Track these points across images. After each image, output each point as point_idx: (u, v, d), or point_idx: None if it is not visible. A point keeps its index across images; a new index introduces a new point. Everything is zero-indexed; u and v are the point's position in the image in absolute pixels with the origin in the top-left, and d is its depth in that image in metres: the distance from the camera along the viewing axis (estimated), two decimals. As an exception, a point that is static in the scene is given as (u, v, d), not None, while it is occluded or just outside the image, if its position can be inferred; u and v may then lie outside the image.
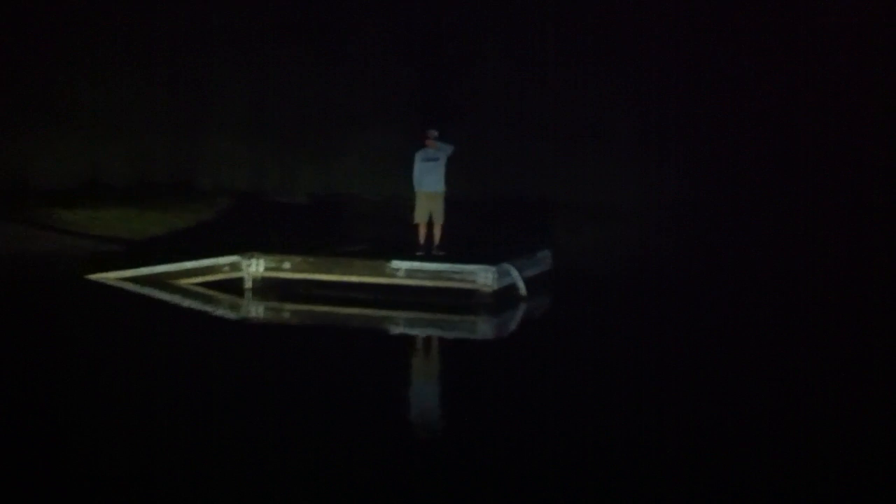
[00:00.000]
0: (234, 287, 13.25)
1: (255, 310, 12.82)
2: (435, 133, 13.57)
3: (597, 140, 25.05)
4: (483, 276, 12.53)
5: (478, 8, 25.19)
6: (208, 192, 22.99)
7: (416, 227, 13.62)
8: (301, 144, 24.41)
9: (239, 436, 6.82)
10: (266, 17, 24.34)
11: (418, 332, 12.01)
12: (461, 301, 12.57)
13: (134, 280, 13.67)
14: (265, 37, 24.14)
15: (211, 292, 13.19)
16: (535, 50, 25.18)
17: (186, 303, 12.73)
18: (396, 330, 12.14)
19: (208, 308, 12.70)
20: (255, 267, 13.21)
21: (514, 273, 13.01)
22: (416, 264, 12.87)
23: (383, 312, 12.78)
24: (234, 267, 13.33)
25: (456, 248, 13.78)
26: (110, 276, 13.82)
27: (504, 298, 12.75)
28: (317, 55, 24.50)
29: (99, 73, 23.35)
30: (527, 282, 13.19)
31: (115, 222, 20.08)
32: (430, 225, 13.57)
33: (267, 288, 13.28)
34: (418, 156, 13.51)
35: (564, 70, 25.08)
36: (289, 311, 13.07)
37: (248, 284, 13.25)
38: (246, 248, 13.56)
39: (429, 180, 13.41)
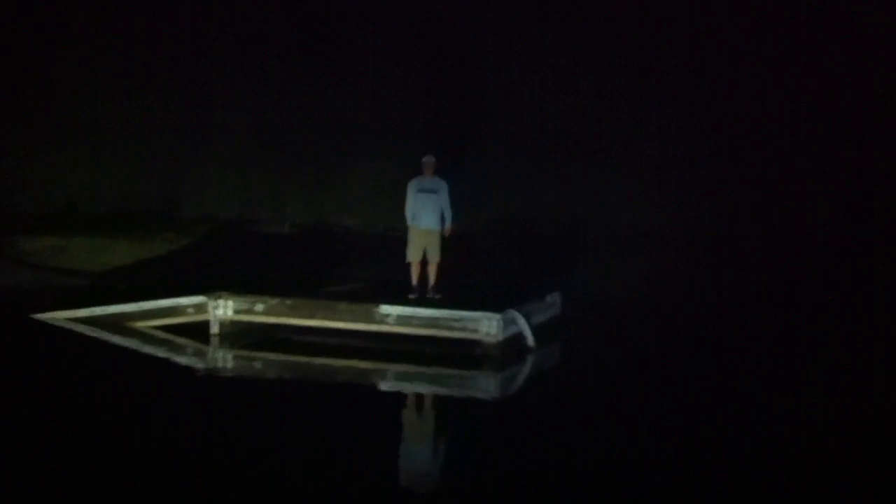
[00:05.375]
0: (199, 331, 11.53)
1: (221, 359, 11.14)
2: (432, 159, 11.94)
3: (603, 170, 23.75)
4: (487, 325, 10.83)
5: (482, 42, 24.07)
6: (189, 220, 21.47)
7: (408, 265, 11.96)
8: (292, 172, 23.07)
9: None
10: (257, 43, 23.20)
11: (411, 389, 10.31)
12: (460, 351, 10.89)
13: (86, 321, 11.96)
14: (265, 57, 23.02)
15: (172, 337, 11.47)
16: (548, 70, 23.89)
17: (142, 349, 11.05)
18: (385, 386, 10.44)
19: (166, 355, 10.99)
20: (222, 309, 11.49)
21: (521, 321, 11.31)
22: (408, 310, 11.17)
23: (370, 364, 11.09)
24: (200, 309, 11.61)
25: (454, 290, 12.12)
26: (59, 317, 12.12)
27: (509, 349, 11.07)
28: (320, 74, 23.30)
29: (82, 95, 22.09)
30: (534, 329, 11.51)
31: (83, 253, 18.49)
32: (424, 263, 11.89)
33: (237, 334, 11.57)
34: (412, 185, 11.86)
35: (575, 91, 23.86)
36: (260, 360, 11.36)
37: (215, 329, 11.51)
38: (216, 286, 11.87)
39: (424, 216, 11.73)
